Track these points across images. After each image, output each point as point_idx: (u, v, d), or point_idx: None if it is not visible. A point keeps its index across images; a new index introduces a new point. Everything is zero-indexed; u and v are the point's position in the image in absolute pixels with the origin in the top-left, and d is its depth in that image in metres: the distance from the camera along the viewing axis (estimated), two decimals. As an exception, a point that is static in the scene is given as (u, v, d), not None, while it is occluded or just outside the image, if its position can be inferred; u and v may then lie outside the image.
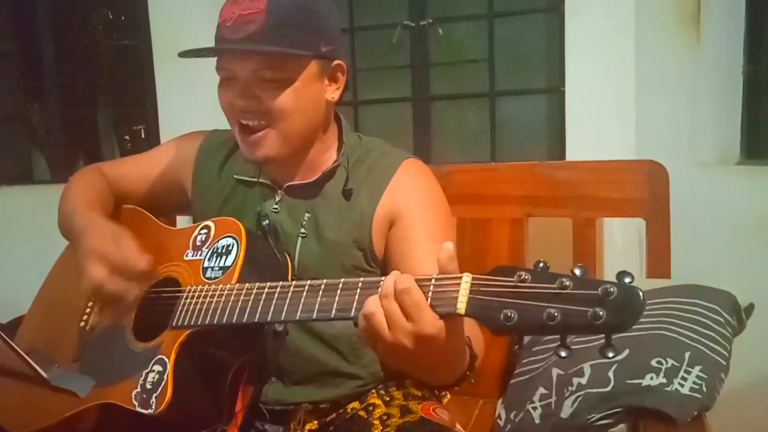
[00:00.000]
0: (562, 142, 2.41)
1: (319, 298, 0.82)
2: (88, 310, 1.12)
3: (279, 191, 1.12)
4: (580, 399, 1.14)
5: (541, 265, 0.68)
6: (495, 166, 2.00)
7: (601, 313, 0.63)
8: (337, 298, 0.80)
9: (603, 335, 0.65)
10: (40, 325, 1.19)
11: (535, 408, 1.21)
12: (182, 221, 1.24)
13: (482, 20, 2.61)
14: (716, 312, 1.17)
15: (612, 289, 0.63)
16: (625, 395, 1.10)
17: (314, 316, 0.82)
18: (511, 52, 2.61)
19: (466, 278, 0.71)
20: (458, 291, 0.71)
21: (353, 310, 0.78)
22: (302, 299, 0.83)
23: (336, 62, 1.06)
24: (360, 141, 1.16)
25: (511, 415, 1.26)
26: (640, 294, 0.63)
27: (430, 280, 0.73)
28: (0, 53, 3.18)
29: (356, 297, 0.79)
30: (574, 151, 2.35)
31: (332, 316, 0.80)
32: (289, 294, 0.85)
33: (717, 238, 2.06)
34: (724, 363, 1.12)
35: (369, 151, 1.14)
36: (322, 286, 0.82)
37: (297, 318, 0.84)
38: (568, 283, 0.65)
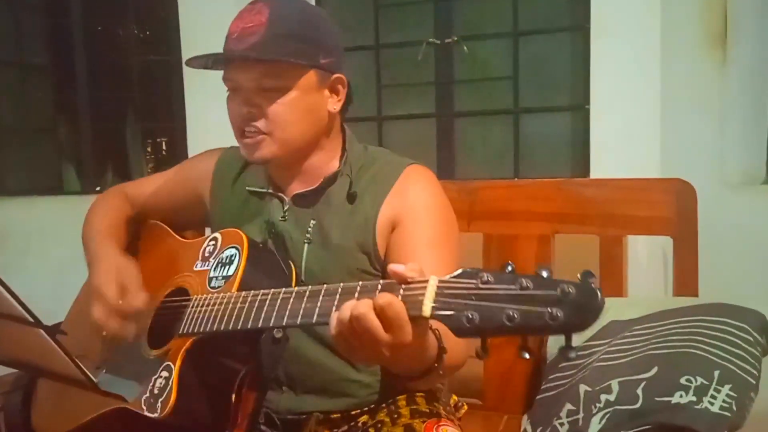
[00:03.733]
0: (586, 159, 2.42)
1: (303, 304, 0.84)
2: None
3: (287, 201, 1.15)
4: (608, 416, 1.14)
5: (509, 268, 0.68)
6: (522, 183, 1.99)
7: (558, 313, 0.62)
8: (318, 304, 0.82)
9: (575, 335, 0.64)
10: (72, 333, 1.22)
11: (562, 424, 1.21)
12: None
13: (507, 38, 2.64)
14: (745, 331, 1.17)
15: (570, 289, 0.63)
16: (655, 413, 1.10)
17: (298, 322, 0.83)
18: (536, 69, 2.63)
19: (433, 281, 0.72)
20: (424, 294, 0.72)
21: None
22: (289, 306, 0.85)
23: (336, 75, 1.10)
24: (365, 150, 1.19)
25: (537, 431, 1.26)
26: (599, 293, 0.63)
27: (400, 285, 0.75)
28: (34, 67, 3.27)
29: (335, 303, 0.80)
30: (598, 169, 2.35)
31: (313, 321, 0.82)
32: (278, 301, 0.87)
33: (743, 257, 2.04)
34: (754, 382, 1.12)
35: (374, 159, 1.17)
36: (307, 293, 0.84)
37: (284, 324, 0.85)
38: (528, 284, 0.65)
